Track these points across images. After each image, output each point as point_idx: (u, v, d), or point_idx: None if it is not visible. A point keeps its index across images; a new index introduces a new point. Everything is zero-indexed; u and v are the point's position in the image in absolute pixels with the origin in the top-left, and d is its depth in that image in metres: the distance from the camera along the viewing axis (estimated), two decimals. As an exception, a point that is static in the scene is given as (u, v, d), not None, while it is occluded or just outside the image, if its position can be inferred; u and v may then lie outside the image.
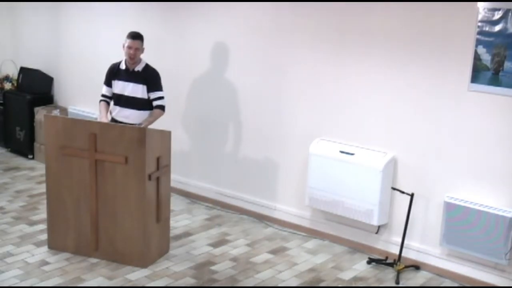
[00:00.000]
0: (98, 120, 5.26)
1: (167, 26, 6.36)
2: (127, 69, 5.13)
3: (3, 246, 4.97)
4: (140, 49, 5.09)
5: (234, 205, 6.03)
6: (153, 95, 5.13)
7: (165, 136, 4.81)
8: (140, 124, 4.97)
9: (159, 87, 5.15)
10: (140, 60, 5.13)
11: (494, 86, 4.38)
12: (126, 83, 5.13)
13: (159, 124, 5.15)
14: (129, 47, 5.02)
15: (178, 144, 6.03)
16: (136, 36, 5.05)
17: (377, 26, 4.90)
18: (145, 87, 5.11)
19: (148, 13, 6.50)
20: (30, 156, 7.55)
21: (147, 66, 5.15)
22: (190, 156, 6.34)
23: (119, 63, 5.20)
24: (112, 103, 5.30)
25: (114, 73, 5.21)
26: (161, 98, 5.15)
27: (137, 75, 5.11)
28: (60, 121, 4.82)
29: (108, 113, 5.31)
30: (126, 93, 5.14)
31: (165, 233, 4.94)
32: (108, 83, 5.26)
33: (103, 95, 5.31)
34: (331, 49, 5.19)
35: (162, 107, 5.15)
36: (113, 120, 5.24)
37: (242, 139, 5.92)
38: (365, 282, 4.65)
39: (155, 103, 5.14)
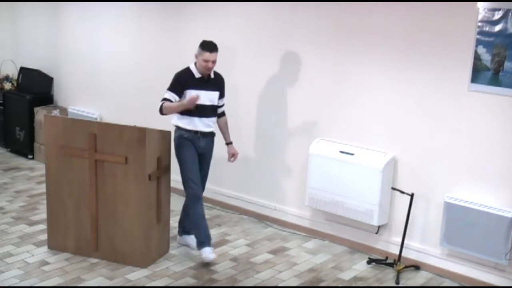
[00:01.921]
0: (185, 103, 4.70)
1: (167, 26, 6.35)
2: (202, 77, 4.82)
3: (3, 246, 4.97)
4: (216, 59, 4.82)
5: (234, 205, 6.03)
6: (222, 101, 5.00)
7: (165, 136, 4.81)
8: (230, 143, 5.08)
9: (225, 93, 5.03)
10: None
11: (494, 86, 4.37)
12: (204, 92, 4.78)
13: (161, 124, 5.14)
14: (207, 61, 4.71)
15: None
16: (214, 49, 4.74)
17: (377, 26, 4.90)
18: (218, 93, 4.92)
19: (148, 13, 6.50)
20: (30, 156, 7.55)
21: (215, 72, 4.93)
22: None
23: (190, 71, 4.81)
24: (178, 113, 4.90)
25: (188, 82, 4.78)
26: (224, 103, 5.06)
27: (212, 82, 4.88)
28: (60, 121, 4.83)
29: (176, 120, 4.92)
30: (205, 102, 4.79)
31: (165, 233, 4.93)
32: (180, 92, 4.77)
33: (167, 100, 4.77)
34: (331, 49, 5.19)
35: (225, 113, 5.09)
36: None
37: (242, 139, 5.91)
38: (365, 282, 4.65)
39: (221, 109, 5.02)
